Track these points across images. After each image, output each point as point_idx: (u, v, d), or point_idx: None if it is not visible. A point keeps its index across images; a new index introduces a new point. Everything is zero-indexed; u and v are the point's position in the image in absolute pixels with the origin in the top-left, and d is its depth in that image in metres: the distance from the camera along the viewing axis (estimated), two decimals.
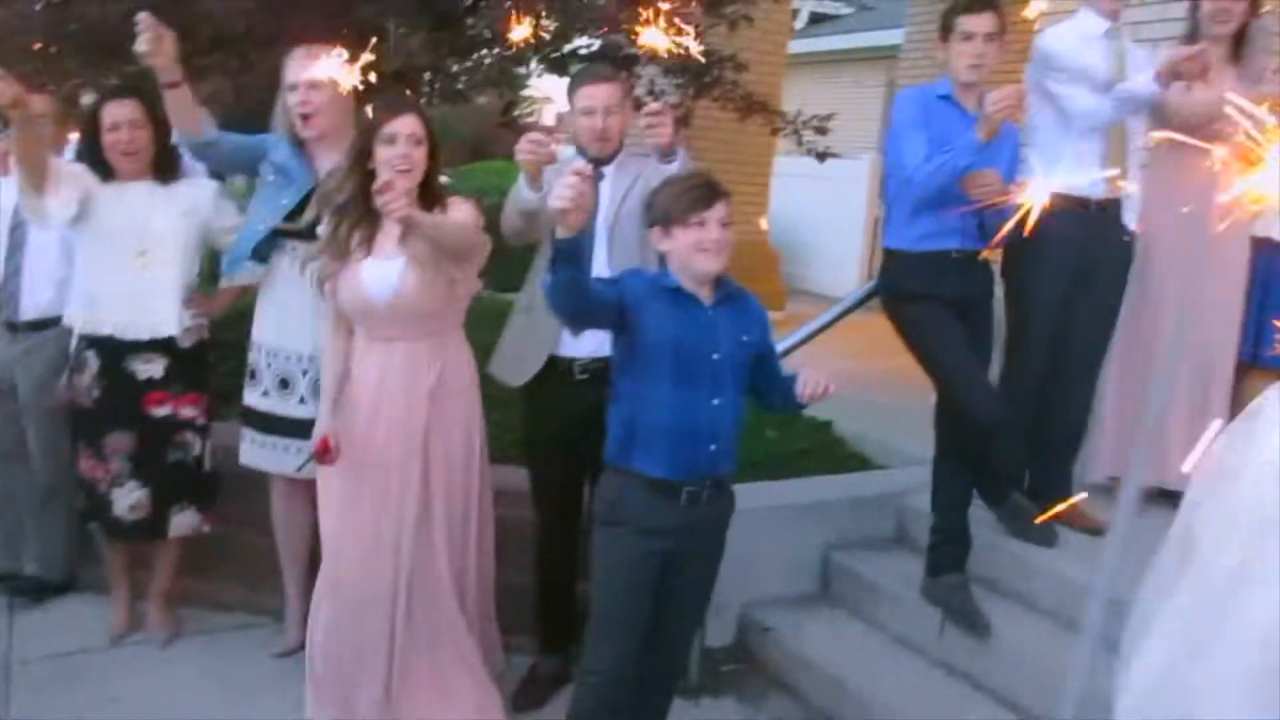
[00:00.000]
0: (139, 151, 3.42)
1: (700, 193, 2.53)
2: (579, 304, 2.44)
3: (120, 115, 3.38)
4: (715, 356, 2.56)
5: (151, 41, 2.99)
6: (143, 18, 2.98)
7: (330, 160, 3.20)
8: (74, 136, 3.78)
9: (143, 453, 3.49)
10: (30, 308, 3.76)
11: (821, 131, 5.63)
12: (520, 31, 3.87)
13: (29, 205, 3.41)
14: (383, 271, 2.86)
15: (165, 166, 3.50)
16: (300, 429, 3.20)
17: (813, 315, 4.23)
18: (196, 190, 3.59)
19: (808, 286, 10.03)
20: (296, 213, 3.28)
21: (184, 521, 3.58)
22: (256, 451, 3.46)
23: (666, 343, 2.53)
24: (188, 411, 3.56)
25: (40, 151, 3.32)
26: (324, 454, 2.86)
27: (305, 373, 3.34)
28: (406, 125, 2.82)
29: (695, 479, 2.57)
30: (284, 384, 3.39)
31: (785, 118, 5.84)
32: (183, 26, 3.34)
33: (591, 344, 2.97)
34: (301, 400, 3.35)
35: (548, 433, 3.31)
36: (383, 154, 2.80)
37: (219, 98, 3.72)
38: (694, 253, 2.52)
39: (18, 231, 3.75)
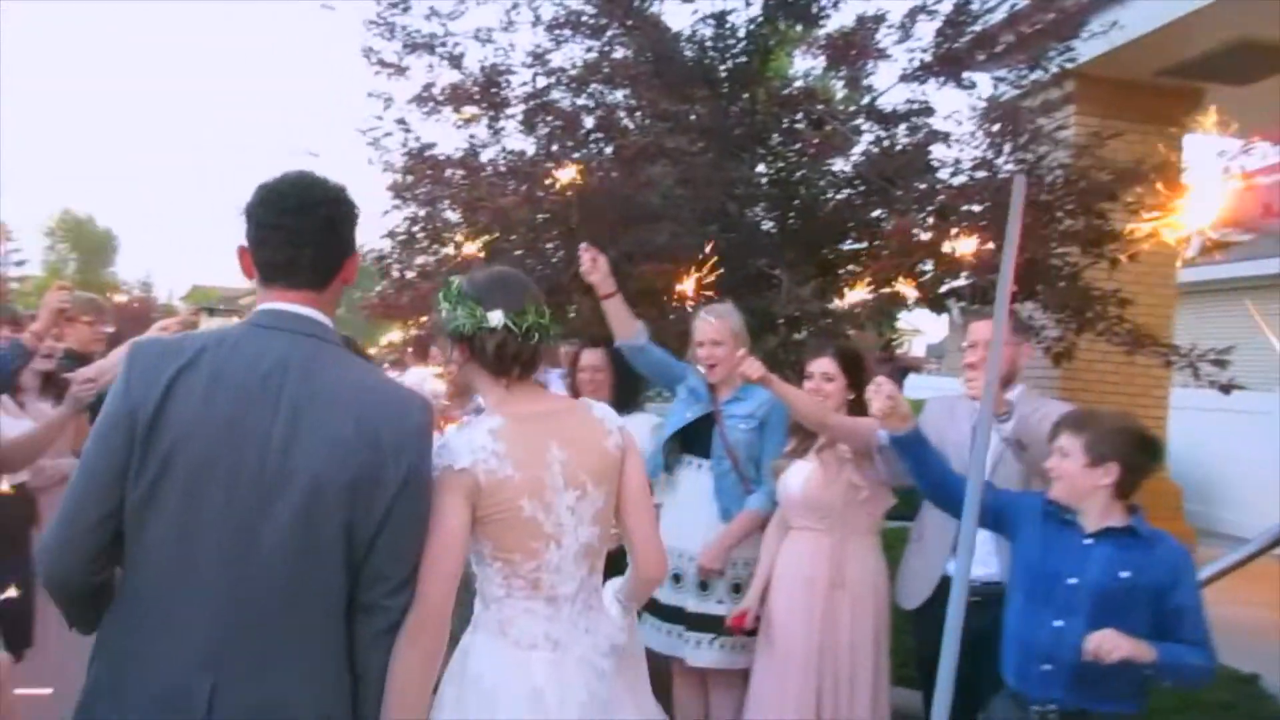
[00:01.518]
0: (598, 388, 4.36)
1: None
2: (931, 481, 2.68)
3: (591, 361, 4.34)
4: (1071, 581, 2.59)
5: (589, 262, 3.99)
6: (583, 246, 3.99)
7: (729, 389, 3.95)
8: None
9: None
10: None
11: (1220, 365, 5.35)
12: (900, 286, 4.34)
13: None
14: (801, 468, 3.48)
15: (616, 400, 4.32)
16: (698, 623, 3.69)
17: (1219, 557, 3.95)
18: (642, 422, 4.34)
19: (1216, 526, 9.05)
20: (693, 428, 3.96)
21: None
22: (658, 638, 3.88)
23: (1027, 557, 2.66)
24: None
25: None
26: (737, 626, 3.34)
27: (722, 574, 3.84)
28: (820, 366, 3.56)
29: (1040, 699, 2.58)
30: (675, 579, 3.86)
31: (1177, 351, 5.63)
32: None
33: (986, 569, 3.09)
34: (720, 600, 3.81)
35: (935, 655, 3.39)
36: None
37: (654, 338, 4.51)
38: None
39: None
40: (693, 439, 4.00)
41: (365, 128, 7.31)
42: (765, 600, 3.58)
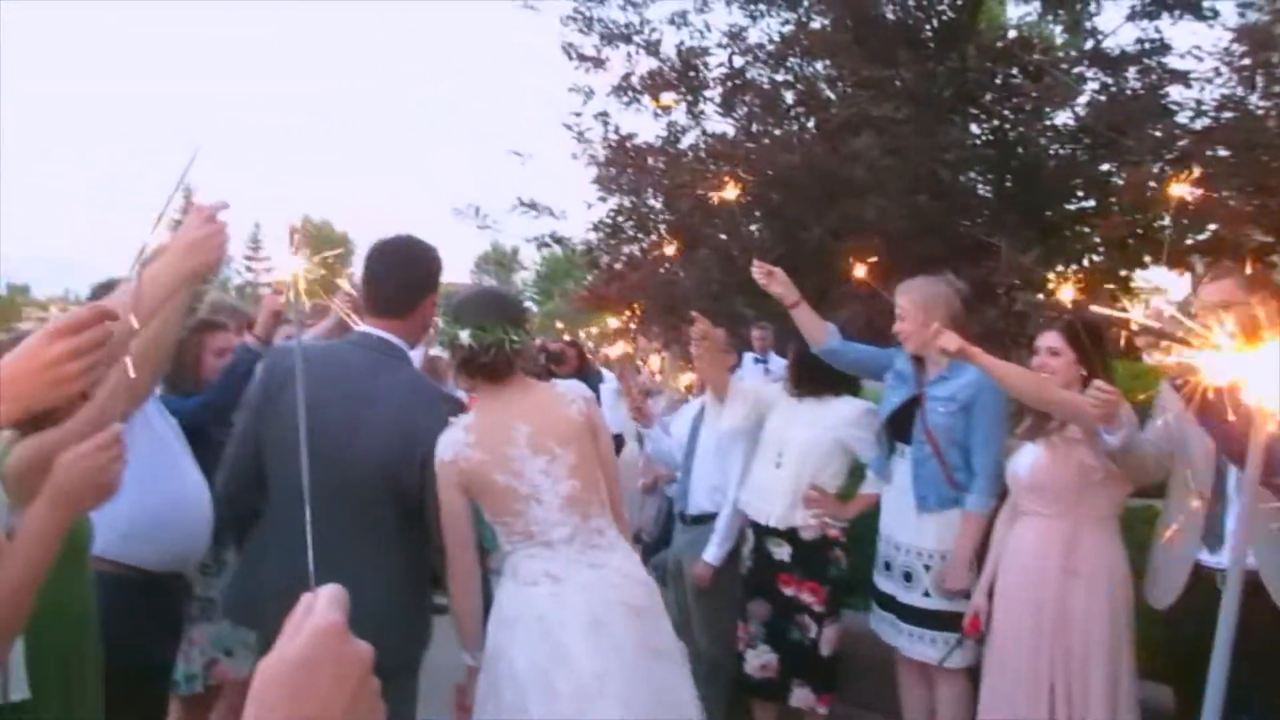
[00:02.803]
0: None
1: None
2: None
3: None
4: None
5: (764, 276, 3.87)
6: (756, 264, 3.87)
7: (935, 368, 3.59)
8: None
9: (774, 623, 3.96)
10: (694, 506, 4.56)
11: None
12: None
13: (713, 413, 4.25)
14: (1030, 450, 3.21)
15: (813, 386, 4.08)
16: (908, 614, 3.48)
17: None
18: (844, 407, 4.04)
19: None
20: (903, 413, 3.69)
21: (802, 696, 3.92)
22: (879, 624, 3.75)
23: None
24: (807, 597, 3.98)
25: (721, 372, 4.16)
26: (974, 631, 3.15)
27: (928, 568, 3.59)
28: (1046, 340, 3.24)
29: None
30: (886, 566, 3.69)
31: None
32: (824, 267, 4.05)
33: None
34: (926, 594, 3.59)
35: (1190, 650, 3.12)
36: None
37: (853, 321, 4.33)
38: None
39: (692, 440, 4.62)
40: (904, 425, 3.80)
41: (568, 122, 7.50)
42: (992, 591, 3.37)
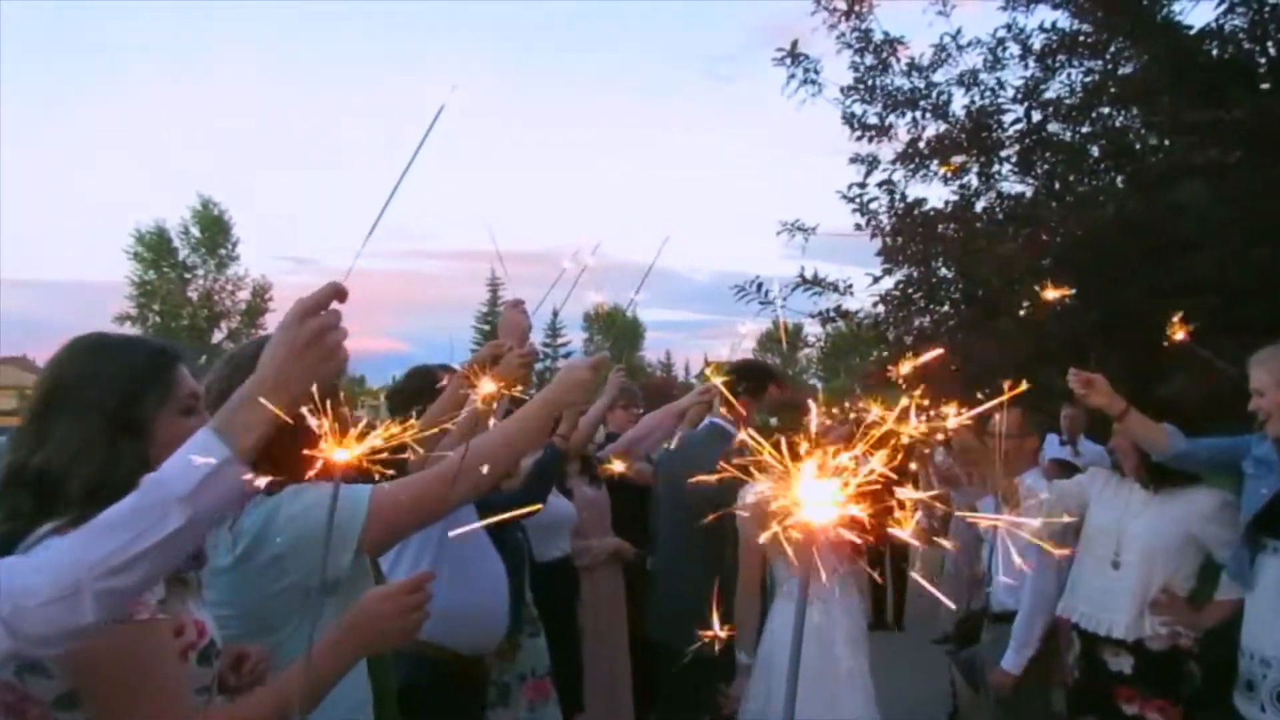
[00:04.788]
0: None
1: None
2: None
3: None
4: None
5: (1082, 385, 3.38)
6: (1073, 373, 3.40)
7: None
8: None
9: None
10: (996, 603, 4.14)
11: None
12: None
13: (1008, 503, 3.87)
14: None
15: (1161, 475, 3.55)
16: None
17: None
18: (1200, 498, 3.53)
19: None
20: (1272, 507, 3.12)
21: None
22: None
23: None
24: (1155, 717, 3.43)
25: (998, 472, 3.90)
26: None
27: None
28: None
29: None
30: (1249, 686, 3.11)
31: None
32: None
33: None
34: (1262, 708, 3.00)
35: None
36: None
37: (1187, 395, 3.76)
38: None
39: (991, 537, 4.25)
40: (1272, 519, 3.19)
41: (848, 194, 7.30)
42: None
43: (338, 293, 1.30)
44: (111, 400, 1.52)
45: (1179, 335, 3.48)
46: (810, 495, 1.09)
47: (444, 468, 2.00)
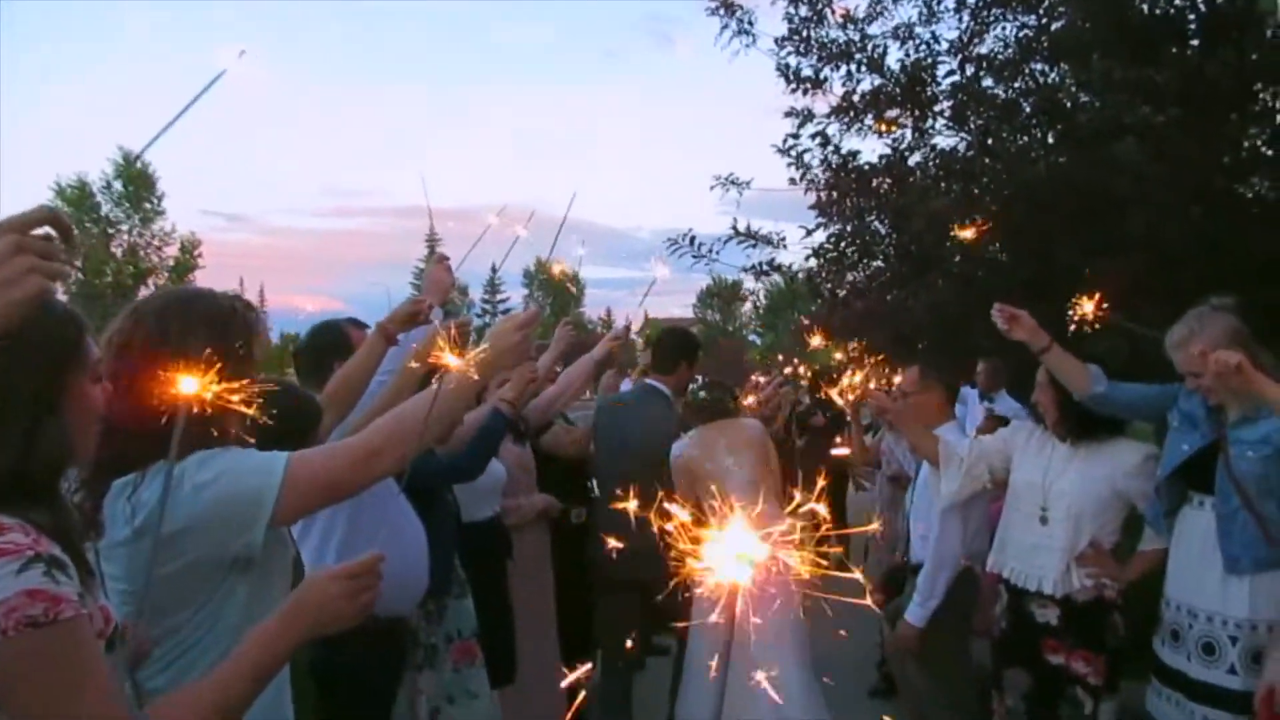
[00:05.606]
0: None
1: None
2: None
3: None
4: None
5: (1007, 321, 3.41)
6: (997, 308, 3.42)
7: (1238, 408, 3.09)
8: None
9: (1039, 695, 3.51)
10: (915, 556, 4.23)
11: None
12: None
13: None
14: None
15: (1084, 429, 3.56)
16: (1200, 693, 3.00)
17: None
18: (1124, 452, 3.54)
19: None
20: (1195, 461, 3.17)
21: None
22: (1159, 704, 3.22)
23: None
24: (1080, 667, 3.46)
25: (921, 432, 3.95)
26: (1266, 712, 2.63)
27: (1235, 640, 3.03)
28: None
29: None
30: (1174, 635, 3.18)
31: None
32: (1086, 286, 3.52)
33: None
34: (1232, 670, 3.03)
35: None
36: None
37: (1114, 355, 3.76)
38: None
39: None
40: (1196, 473, 3.21)
41: (784, 146, 7.19)
42: None
43: (53, 219, 1.14)
44: (34, 382, 1.34)
45: (1087, 307, 3.47)
46: (726, 555, 1.12)
47: (367, 439, 1.84)
